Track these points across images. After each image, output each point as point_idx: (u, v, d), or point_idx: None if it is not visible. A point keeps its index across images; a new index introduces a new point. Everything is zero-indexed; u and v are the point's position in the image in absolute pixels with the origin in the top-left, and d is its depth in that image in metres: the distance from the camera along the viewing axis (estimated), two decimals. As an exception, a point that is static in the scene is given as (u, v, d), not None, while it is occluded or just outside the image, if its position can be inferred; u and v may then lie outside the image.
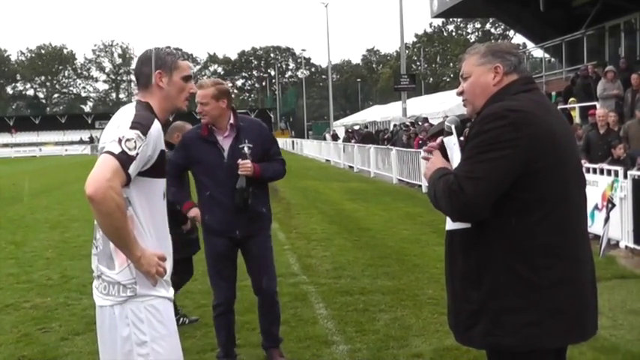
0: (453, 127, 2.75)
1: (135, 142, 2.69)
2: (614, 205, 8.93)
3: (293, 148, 54.67)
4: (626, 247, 8.99)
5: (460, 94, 2.84)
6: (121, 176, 2.65)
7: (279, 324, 5.19)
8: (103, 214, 2.63)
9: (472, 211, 2.48)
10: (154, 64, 2.94)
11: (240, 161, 4.63)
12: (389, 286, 7.33)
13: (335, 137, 41.32)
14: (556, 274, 2.53)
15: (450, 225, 2.68)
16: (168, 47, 3.11)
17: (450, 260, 2.72)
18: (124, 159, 2.66)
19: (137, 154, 2.69)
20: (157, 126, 2.83)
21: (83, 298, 7.15)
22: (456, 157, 2.67)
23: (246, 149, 4.70)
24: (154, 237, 2.88)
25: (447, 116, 26.12)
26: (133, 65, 3.02)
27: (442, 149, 2.79)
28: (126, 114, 2.84)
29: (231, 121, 4.73)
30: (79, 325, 6.20)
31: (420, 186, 18.55)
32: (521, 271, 2.51)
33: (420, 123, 25.30)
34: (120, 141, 2.68)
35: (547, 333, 2.52)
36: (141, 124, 2.74)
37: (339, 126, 51.19)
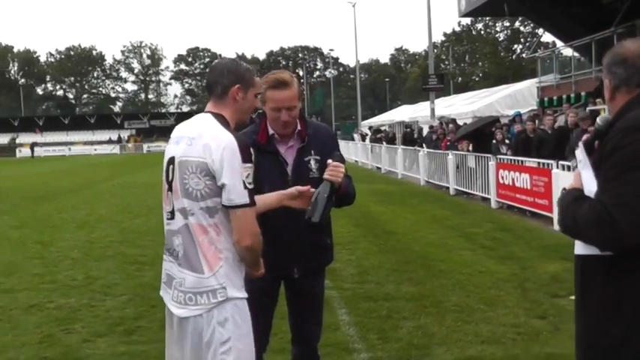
0: (580, 142, 2.47)
1: (250, 174, 2.86)
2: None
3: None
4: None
5: None
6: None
7: None
8: (255, 255, 2.96)
9: (625, 241, 2.23)
10: (235, 78, 2.99)
11: (330, 161, 3.35)
12: (413, 292, 7.22)
13: (364, 138, 41.07)
14: None
15: (582, 249, 2.42)
16: (237, 59, 3.18)
17: (583, 288, 2.46)
18: (253, 199, 2.87)
19: (251, 182, 2.88)
20: None
21: (107, 300, 7.18)
22: (585, 176, 2.41)
23: (312, 163, 3.58)
24: None
25: (475, 117, 25.82)
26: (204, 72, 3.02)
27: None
28: (221, 137, 2.86)
29: (299, 127, 3.60)
30: (102, 327, 6.21)
31: (448, 188, 18.40)
32: None
33: (449, 124, 25.08)
34: (244, 185, 2.83)
35: None
36: (248, 154, 2.86)
37: (367, 125, 50.93)
